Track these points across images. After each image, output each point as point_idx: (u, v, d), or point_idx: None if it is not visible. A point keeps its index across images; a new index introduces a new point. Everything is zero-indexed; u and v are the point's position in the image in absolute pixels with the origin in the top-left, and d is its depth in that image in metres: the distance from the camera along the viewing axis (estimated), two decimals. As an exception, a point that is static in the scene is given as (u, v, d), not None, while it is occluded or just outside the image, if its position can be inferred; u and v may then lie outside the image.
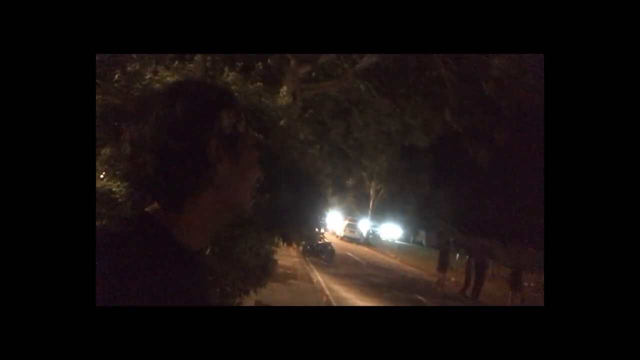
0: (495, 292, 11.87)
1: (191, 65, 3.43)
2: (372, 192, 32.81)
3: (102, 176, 2.88)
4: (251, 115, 0.63)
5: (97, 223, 0.58)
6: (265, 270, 3.85)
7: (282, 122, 3.30)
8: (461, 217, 34.74)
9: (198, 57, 3.51)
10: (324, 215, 4.87)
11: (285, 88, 4.10)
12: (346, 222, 26.52)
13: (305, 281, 8.02)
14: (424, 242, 39.05)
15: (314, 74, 6.84)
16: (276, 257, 4.35)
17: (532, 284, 16.93)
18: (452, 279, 14.12)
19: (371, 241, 27.80)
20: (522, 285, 10.21)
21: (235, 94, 0.64)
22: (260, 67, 4.65)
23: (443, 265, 11.14)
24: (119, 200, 2.78)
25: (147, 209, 0.57)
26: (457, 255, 22.92)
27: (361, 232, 27.79)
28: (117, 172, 2.78)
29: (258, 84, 3.59)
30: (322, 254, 11.82)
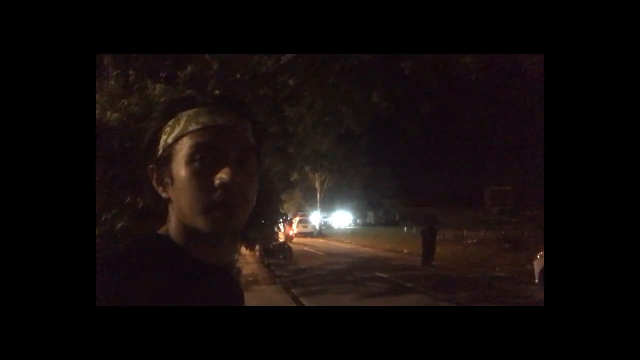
0: (444, 252, 12.77)
1: (111, 82, 3.18)
2: (317, 184, 33.21)
3: None
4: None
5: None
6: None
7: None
8: (403, 191, 36.60)
9: (118, 72, 3.26)
10: (280, 214, 4.81)
11: (217, 93, 3.98)
12: (297, 218, 26.61)
13: (268, 284, 7.94)
14: (372, 222, 40.57)
15: (238, 75, 6.70)
16: (238, 265, 4.24)
17: (474, 241, 18.51)
18: (405, 251, 14.91)
19: (324, 232, 28.23)
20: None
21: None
22: (185, 75, 4.44)
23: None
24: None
25: (159, 232, 0.55)
26: (405, 228, 24.15)
27: (313, 225, 28.07)
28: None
29: (188, 91, 3.45)
30: (279, 254, 11.73)
